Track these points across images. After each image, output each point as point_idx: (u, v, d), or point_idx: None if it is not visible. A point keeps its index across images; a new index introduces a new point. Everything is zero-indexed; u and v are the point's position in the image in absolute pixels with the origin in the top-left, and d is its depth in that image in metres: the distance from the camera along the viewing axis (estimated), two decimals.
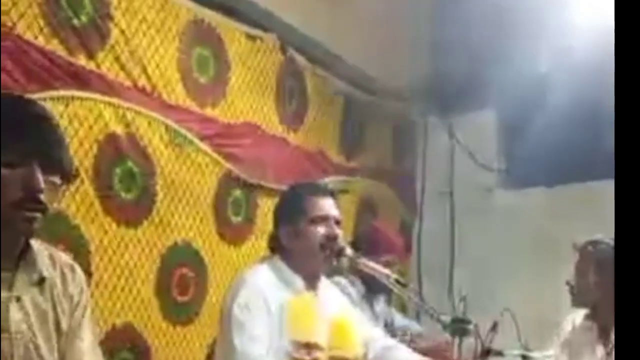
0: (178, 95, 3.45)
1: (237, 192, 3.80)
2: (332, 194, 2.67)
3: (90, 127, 3.01)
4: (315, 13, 4.26)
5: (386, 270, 2.69)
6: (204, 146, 3.55)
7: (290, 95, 4.25)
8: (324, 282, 2.65)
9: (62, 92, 2.88)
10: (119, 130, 3.13)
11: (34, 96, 2.61)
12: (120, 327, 3.12)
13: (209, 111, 3.64)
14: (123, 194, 3.17)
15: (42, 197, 1.64)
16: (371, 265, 2.68)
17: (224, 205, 3.72)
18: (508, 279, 4.78)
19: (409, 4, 5.08)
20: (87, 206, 3.00)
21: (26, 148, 1.63)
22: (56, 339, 1.75)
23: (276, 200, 2.81)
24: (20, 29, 2.73)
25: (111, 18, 3.11)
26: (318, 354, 2.40)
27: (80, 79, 2.96)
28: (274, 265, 2.56)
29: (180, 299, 3.45)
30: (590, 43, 4.06)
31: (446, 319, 2.49)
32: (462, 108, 5.28)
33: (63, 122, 2.79)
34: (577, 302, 3.10)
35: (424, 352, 2.85)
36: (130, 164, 3.19)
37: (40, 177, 1.63)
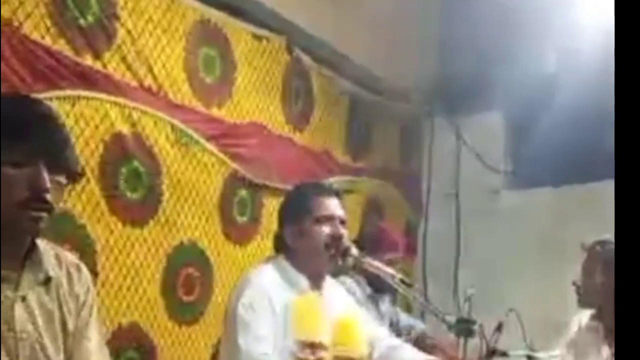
0: (184, 95, 3.46)
1: (243, 192, 3.81)
2: (337, 193, 2.67)
3: (97, 127, 3.02)
4: (322, 13, 4.26)
5: (391, 270, 2.69)
6: (209, 146, 3.56)
7: (297, 95, 4.25)
8: (328, 282, 2.66)
9: (68, 92, 2.89)
10: (125, 130, 3.14)
11: (41, 96, 2.62)
12: (126, 327, 3.13)
13: (215, 111, 3.64)
14: (129, 194, 3.18)
15: (48, 196, 1.64)
16: (376, 265, 2.67)
17: (230, 205, 3.72)
18: (514, 279, 4.77)
19: (415, 4, 5.08)
20: (93, 206, 3.00)
21: (32, 147, 1.63)
22: (62, 339, 1.75)
23: (282, 200, 2.81)
24: (27, 29, 2.74)
25: (118, 18, 3.12)
26: (322, 353, 2.39)
27: (86, 79, 2.96)
28: (278, 265, 2.56)
29: (185, 298, 3.45)
30: (597, 44, 4.05)
31: (451, 319, 2.49)
32: (469, 109, 5.27)
33: (69, 122, 2.80)
34: (583, 303, 3.10)
35: (429, 351, 2.85)
36: (136, 163, 3.20)
37: (46, 176, 1.63)
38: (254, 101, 3.91)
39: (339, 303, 2.66)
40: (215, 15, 3.65)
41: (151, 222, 3.28)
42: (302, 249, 2.56)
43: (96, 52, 3.02)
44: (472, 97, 5.09)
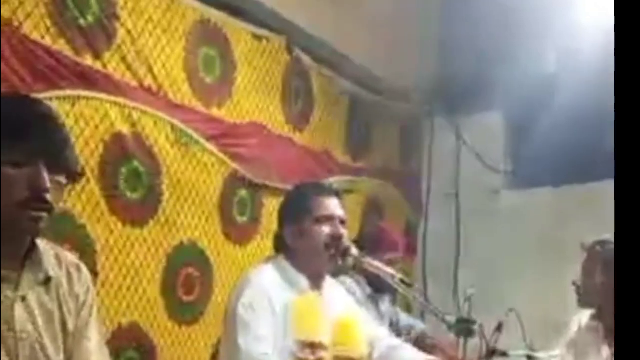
0: (184, 95, 3.46)
1: (243, 192, 3.81)
2: (337, 193, 2.67)
3: (97, 127, 3.02)
4: (322, 13, 4.26)
5: (391, 270, 2.69)
6: (209, 146, 3.56)
7: (297, 95, 4.25)
8: (328, 282, 2.66)
9: (68, 92, 2.89)
10: (125, 130, 3.14)
11: (40, 96, 2.62)
12: (126, 327, 3.13)
13: (215, 111, 3.64)
14: (129, 194, 3.18)
15: (48, 196, 1.64)
16: (376, 265, 2.68)
17: (230, 205, 3.72)
18: (514, 279, 4.77)
19: (415, 4, 5.08)
20: (93, 206, 3.00)
21: (32, 147, 1.63)
22: (62, 339, 1.75)
23: (282, 200, 2.81)
24: (27, 29, 2.74)
25: (117, 18, 3.12)
26: (322, 353, 2.39)
27: (86, 79, 2.97)
28: (278, 265, 2.56)
29: (185, 298, 3.45)
30: (597, 43, 4.05)
31: (451, 319, 2.49)
32: (469, 109, 5.27)
33: (69, 122, 2.80)
34: (583, 303, 3.10)
35: (429, 351, 2.85)
36: (136, 163, 3.20)
37: (46, 176, 1.63)
38: (254, 101, 3.91)
39: (339, 303, 2.66)
40: (215, 15, 3.65)
41: (151, 222, 3.28)
42: (302, 249, 2.56)
43: (96, 52, 3.02)
44: (472, 97, 5.10)
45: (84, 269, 1.86)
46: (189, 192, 3.47)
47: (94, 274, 2.86)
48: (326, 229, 2.54)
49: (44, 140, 1.66)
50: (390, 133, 5.20)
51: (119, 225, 3.12)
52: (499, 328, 2.46)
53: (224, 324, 2.52)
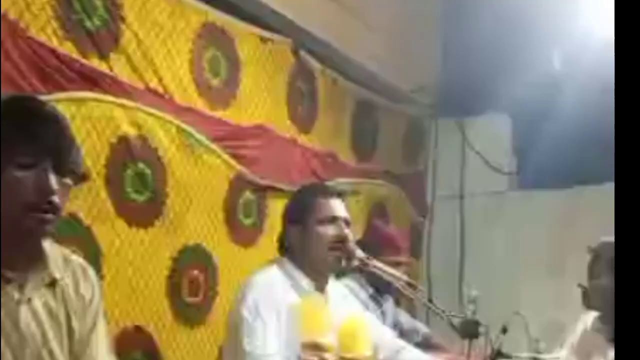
0: (190, 97, 3.46)
1: (248, 194, 3.81)
2: (340, 195, 2.68)
3: (102, 129, 3.02)
4: (327, 15, 4.26)
5: (397, 272, 2.69)
6: (215, 148, 3.56)
7: (302, 97, 4.26)
8: (332, 283, 2.66)
9: (74, 94, 2.89)
10: (131, 132, 3.14)
11: (47, 97, 2.61)
12: (131, 329, 3.13)
13: (220, 113, 3.64)
14: (134, 196, 3.18)
15: (55, 198, 1.64)
16: (381, 267, 2.68)
17: (235, 207, 3.73)
18: (519, 281, 4.77)
19: (421, 6, 5.08)
20: (99, 208, 3.01)
21: (38, 149, 1.63)
22: (68, 340, 1.75)
23: (287, 202, 2.81)
24: (33, 31, 2.75)
25: (124, 20, 3.12)
26: (326, 355, 2.40)
27: (92, 81, 2.97)
28: (282, 267, 2.57)
29: (191, 300, 3.45)
30: (603, 46, 4.04)
31: (456, 320, 2.49)
32: (474, 111, 5.27)
33: (75, 124, 2.80)
34: (589, 305, 3.09)
35: (433, 352, 2.85)
36: (141, 165, 3.20)
37: (53, 178, 1.64)
38: (260, 103, 3.91)
39: (343, 304, 2.67)
40: (221, 18, 3.65)
41: (157, 224, 3.28)
42: (306, 250, 2.56)
43: (102, 54, 3.03)
44: (477, 99, 5.09)
45: (90, 271, 1.86)
46: (194, 194, 3.47)
47: (100, 276, 2.86)
48: (330, 230, 2.55)
49: (51, 142, 1.65)
50: (395, 135, 5.20)
51: (125, 227, 3.13)
52: (504, 330, 2.46)
53: (228, 326, 2.53)
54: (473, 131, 5.38)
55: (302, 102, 4.25)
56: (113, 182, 3.07)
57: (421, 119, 5.45)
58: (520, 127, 5.26)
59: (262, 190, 3.87)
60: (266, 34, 3.94)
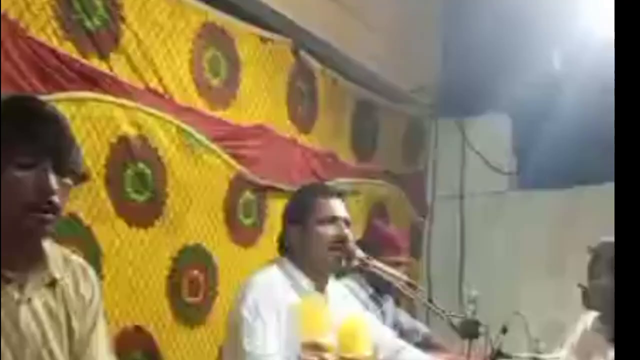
0: (190, 97, 3.46)
1: (248, 194, 3.81)
2: (340, 195, 2.68)
3: (102, 129, 3.02)
4: (327, 15, 4.26)
5: (397, 272, 2.69)
6: (215, 148, 3.56)
7: (302, 97, 4.26)
8: (332, 283, 2.66)
9: (74, 94, 2.89)
10: (131, 132, 3.15)
11: (47, 97, 2.62)
12: (131, 329, 3.13)
13: (220, 113, 3.64)
14: (134, 196, 3.18)
15: (56, 198, 1.64)
16: (381, 267, 2.68)
17: (235, 207, 3.73)
18: (519, 281, 4.77)
19: (421, 6, 5.08)
20: (99, 208, 3.01)
21: (38, 149, 1.63)
22: (68, 340, 1.75)
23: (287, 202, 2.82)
24: (33, 31, 2.75)
25: (124, 20, 3.13)
26: (326, 355, 2.40)
27: (92, 81, 2.97)
28: (282, 267, 2.57)
29: (190, 300, 3.46)
30: (603, 46, 4.04)
31: (456, 320, 2.49)
32: (474, 110, 5.27)
33: (75, 124, 2.80)
34: (589, 305, 3.09)
35: (433, 352, 2.85)
36: (141, 165, 3.21)
37: (53, 178, 1.64)
38: (260, 103, 3.91)
39: (343, 304, 2.67)
40: (221, 18, 3.65)
41: (156, 224, 3.28)
42: (306, 250, 2.56)
43: (102, 54, 3.03)
44: (477, 99, 5.09)
45: (90, 271, 1.86)
46: (194, 194, 3.47)
47: (100, 276, 2.86)
48: (330, 230, 2.55)
49: (51, 142, 1.65)
50: (395, 135, 5.20)
51: (125, 227, 3.13)
52: (504, 330, 2.46)
53: (228, 326, 2.53)
54: (473, 131, 5.38)
55: (302, 102, 4.25)
56: (113, 182, 3.07)
57: (421, 119, 5.45)
58: (520, 127, 5.26)
59: (262, 190, 3.88)
60: (266, 34, 3.94)
